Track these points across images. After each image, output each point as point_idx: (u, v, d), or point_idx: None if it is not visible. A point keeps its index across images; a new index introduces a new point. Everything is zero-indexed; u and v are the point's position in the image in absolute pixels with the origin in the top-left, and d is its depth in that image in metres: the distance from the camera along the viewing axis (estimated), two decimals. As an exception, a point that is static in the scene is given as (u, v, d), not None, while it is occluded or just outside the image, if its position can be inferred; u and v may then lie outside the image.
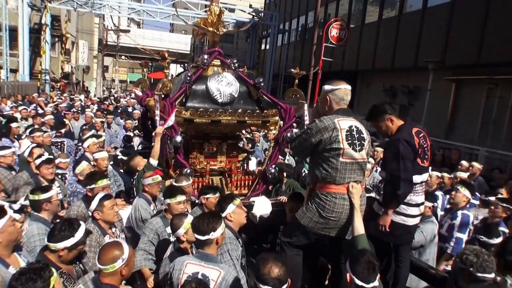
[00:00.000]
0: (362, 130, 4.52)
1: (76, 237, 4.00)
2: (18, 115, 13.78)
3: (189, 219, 4.60)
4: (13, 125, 9.94)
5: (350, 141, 4.35)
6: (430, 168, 4.95)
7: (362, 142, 4.44)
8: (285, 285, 3.36)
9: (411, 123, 4.88)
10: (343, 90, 4.60)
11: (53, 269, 3.24)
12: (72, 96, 26.43)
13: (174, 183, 6.17)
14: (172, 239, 4.85)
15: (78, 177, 7.03)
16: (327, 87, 4.68)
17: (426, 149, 4.75)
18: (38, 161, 6.53)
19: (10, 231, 3.94)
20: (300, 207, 5.15)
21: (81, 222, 4.26)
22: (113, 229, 5.29)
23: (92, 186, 5.80)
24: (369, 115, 5.13)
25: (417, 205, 4.80)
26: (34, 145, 8.04)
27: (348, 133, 4.37)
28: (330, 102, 4.64)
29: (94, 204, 5.02)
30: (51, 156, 7.23)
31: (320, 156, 4.45)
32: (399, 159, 4.56)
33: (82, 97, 26.76)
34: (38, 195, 4.99)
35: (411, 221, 4.80)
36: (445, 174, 9.03)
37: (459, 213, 6.68)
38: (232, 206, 4.73)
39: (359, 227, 4.27)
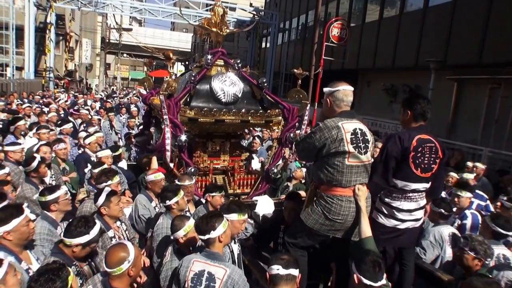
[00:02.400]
0: (366, 132, 4.49)
1: (91, 234, 4.07)
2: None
3: (191, 222, 4.61)
4: (20, 122, 9.97)
5: (355, 144, 4.32)
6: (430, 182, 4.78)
7: (367, 144, 4.42)
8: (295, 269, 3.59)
9: (422, 129, 4.65)
10: (342, 91, 4.54)
11: (70, 269, 3.32)
12: (75, 94, 26.47)
13: (177, 182, 6.20)
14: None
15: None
16: (326, 89, 4.65)
17: (429, 160, 4.57)
18: (35, 163, 6.51)
19: (22, 231, 4.02)
20: (297, 206, 5.21)
21: (97, 221, 4.34)
22: (118, 223, 5.35)
23: (109, 182, 5.86)
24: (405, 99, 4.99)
25: (409, 211, 4.70)
26: (42, 142, 8.09)
27: (353, 136, 4.34)
28: (331, 105, 4.60)
29: (101, 200, 5.08)
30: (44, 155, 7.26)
31: (324, 159, 4.42)
32: (382, 155, 4.59)
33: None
34: (45, 197, 5.04)
35: (403, 225, 4.73)
36: (453, 174, 8.94)
37: (468, 212, 6.61)
38: (235, 215, 4.73)
39: (366, 230, 4.28)
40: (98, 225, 4.26)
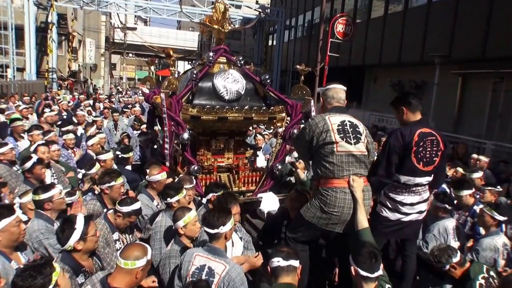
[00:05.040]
0: (358, 124, 4.66)
1: (78, 228, 4.00)
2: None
3: (192, 214, 4.65)
4: (17, 123, 9.90)
5: (342, 135, 4.46)
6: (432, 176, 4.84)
7: (358, 135, 4.53)
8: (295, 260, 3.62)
9: (423, 123, 4.76)
10: (332, 89, 4.87)
11: (56, 265, 3.28)
12: (79, 96, 26.44)
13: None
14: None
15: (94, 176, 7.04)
16: (319, 89, 4.94)
17: (431, 153, 4.64)
18: (29, 164, 6.48)
19: (12, 231, 4.01)
20: (301, 198, 5.28)
21: (78, 214, 4.33)
22: None
23: (112, 183, 5.79)
24: (393, 100, 5.13)
25: (412, 204, 4.76)
26: (40, 142, 8.05)
27: (340, 127, 4.50)
28: (323, 103, 4.91)
29: (126, 209, 5.01)
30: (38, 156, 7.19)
31: (317, 153, 4.57)
32: (385, 150, 4.66)
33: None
34: (39, 195, 5.02)
35: (407, 218, 4.79)
36: (460, 170, 8.86)
37: (478, 209, 6.44)
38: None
39: (362, 221, 4.32)
40: (80, 216, 4.21)
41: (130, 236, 5.40)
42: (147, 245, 3.83)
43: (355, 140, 4.47)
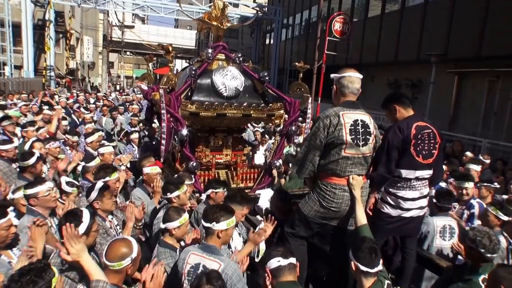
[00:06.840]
0: (369, 124, 4.44)
1: (84, 221, 3.95)
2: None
3: (186, 215, 4.59)
4: (7, 121, 9.86)
5: (353, 136, 4.29)
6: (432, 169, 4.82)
7: (367, 136, 4.39)
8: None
9: (417, 117, 4.73)
10: (347, 78, 4.46)
11: (55, 269, 3.11)
12: (77, 93, 26.37)
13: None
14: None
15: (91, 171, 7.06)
16: (333, 75, 4.60)
17: (429, 146, 4.61)
18: (33, 160, 6.43)
19: None
20: (283, 205, 5.26)
21: (83, 209, 4.26)
22: (110, 217, 5.30)
23: (107, 179, 5.77)
24: (382, 102, 5.03)
25: (413, 199, 4.72)
26: (34, 139, 8.08)
27: (352, 127, 4.30)
28: (337, 92, 4.56)
29: (94, 194, 5.02)
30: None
31: (324, 149, 4.44)
32: (384, 146, 4.59)
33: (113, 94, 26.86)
34: (25, 190, 4.96)
35: (408, 213, 4.75)
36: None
37: (474, 202, 6.55)
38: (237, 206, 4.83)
39: (361, 218, 4.31)
40: (86, 211, 4.15)
41: (118, 227, 5.35)
42: (130, 239, 3.70)
43: (363, 142, 4.34)
